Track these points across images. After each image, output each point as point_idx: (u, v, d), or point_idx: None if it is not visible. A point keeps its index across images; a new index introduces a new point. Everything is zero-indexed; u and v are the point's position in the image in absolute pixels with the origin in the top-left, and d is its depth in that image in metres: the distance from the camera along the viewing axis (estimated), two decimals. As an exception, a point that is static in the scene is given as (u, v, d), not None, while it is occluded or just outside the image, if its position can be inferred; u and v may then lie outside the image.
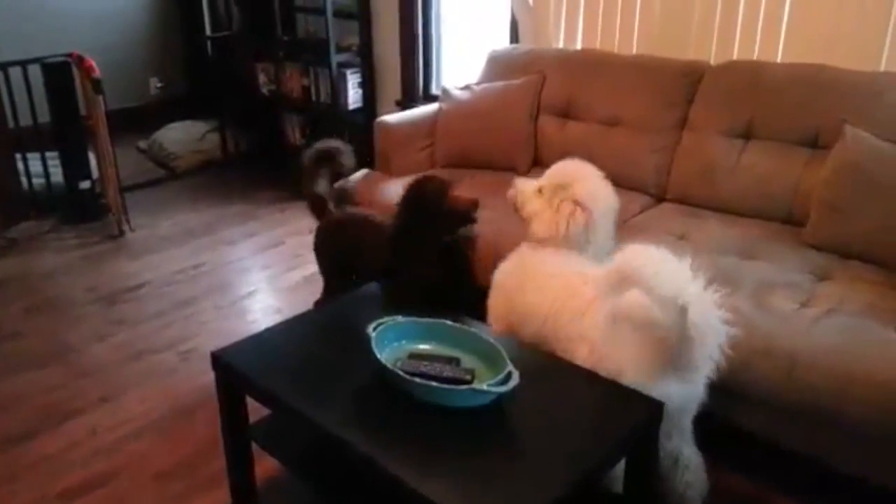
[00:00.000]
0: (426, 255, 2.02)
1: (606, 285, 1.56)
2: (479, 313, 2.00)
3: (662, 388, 1.56)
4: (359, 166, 3.08)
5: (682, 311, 1.45)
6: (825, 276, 2.12)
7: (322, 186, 2.45)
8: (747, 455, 2.02)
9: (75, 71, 3.73)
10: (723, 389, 1.72)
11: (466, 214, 2.01)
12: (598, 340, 1.66)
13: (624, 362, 1.59)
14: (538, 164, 3.01)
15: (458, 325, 1.71)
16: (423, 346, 1.69)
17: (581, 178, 1.93)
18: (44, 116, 3.79)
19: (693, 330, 1.47)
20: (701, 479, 1.78)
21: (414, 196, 2.05)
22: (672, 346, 1.51)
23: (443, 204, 2.00)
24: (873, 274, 2.10)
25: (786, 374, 1.78)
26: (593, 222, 1.88)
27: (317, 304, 2.51)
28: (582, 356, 1.70)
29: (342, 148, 2.46)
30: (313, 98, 4.30)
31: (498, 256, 2.08)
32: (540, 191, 1.96)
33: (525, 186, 2.00)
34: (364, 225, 2.29)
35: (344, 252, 2.35)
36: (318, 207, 2.45)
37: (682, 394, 1.61)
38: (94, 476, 2.10)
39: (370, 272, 2.18)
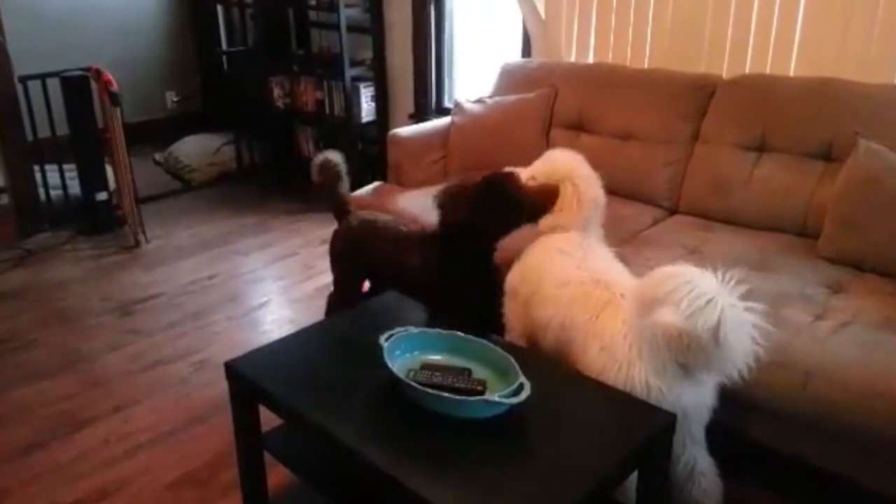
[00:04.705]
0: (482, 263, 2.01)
1: (636, 307, 1.59)
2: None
3: (676, 394, 1.57)
4: (372, 179, 3.10)
5: (714, 328, 1.46)
6: (840, 289, 2.11)
7: (338, 190, 2.42)
8: (763, 468, 2.00)
9: (93, 85, 3.78)
10: (737, 402, 1.71)
11: (545, 205, 1.97)
12: (612, 345, 1.66)
13: (641, 371, 1.60)
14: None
15: (470, 335, 1.71)
16: (435, 357, 1.68)
17: (575, 166, 2.01)
18: (62, 129, 3.84)
19: (724, 349, 1.48)
20: (717, 487, 1.77)
21: (490, 190, 1.97)
22: (698, 361, 1.52)
23: (522, 196, 1.95)
24: (889, 287, 2.09)
25: (800, 386, 1.77)
26: (590, 204, 1.97)
27: (330, 297, 2.47)
28: (592, 355, 1.70)
29: (336, 160, 2.41)
30: (327, 111, 4.33)
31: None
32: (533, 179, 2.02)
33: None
34: (391, 235, 2.24)
35: (368, 259, 2.30)
36: (340, 211, 2.42)
37: (694, 400, 1.62)
38: (106, 485, 2.11)
39: (402, 283, 2.14)
